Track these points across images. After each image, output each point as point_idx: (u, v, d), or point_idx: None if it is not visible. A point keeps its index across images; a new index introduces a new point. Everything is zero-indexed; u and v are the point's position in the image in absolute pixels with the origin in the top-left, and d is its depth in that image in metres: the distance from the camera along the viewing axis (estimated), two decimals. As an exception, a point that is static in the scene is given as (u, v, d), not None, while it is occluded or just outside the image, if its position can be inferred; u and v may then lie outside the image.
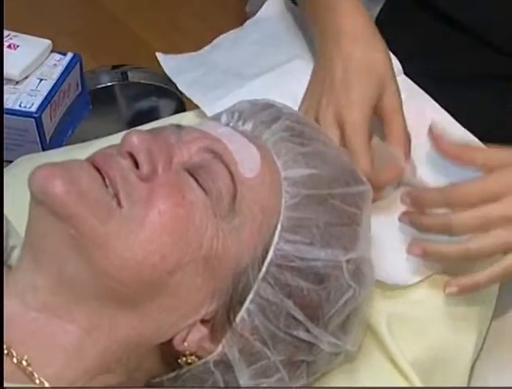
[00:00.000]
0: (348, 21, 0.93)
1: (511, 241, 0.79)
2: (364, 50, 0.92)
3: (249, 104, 0.80)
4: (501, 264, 0.80)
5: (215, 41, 1.17)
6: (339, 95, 0.90)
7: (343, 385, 0.81)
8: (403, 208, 0.86)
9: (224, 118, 0.80)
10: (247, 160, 0.73)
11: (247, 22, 1.20)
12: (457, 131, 1.03)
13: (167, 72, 1.09)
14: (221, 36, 1.18)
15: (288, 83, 0.97)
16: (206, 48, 1.16)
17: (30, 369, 0.67)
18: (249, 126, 0.78)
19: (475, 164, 0.83)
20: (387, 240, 0.86)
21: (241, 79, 1.06)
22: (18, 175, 0.94)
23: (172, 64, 1.11)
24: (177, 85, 1.08)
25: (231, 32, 1.18)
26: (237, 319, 0.71)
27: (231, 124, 0.79)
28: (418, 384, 0.81)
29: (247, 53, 1.12)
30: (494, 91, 1.07)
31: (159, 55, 1.11)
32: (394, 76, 0.93)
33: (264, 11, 1.21)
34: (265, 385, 0.74)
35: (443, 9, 1.07)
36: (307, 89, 0.97)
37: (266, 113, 0.78)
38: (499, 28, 1.04)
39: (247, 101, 0.81)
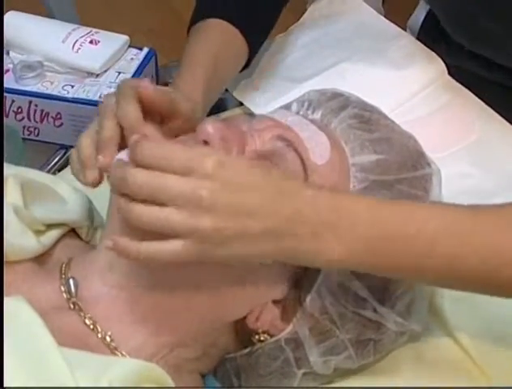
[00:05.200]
0: None
1: (184, 224, 0.59)
2: None
3: (317, 94, 0.78)
4: (164, 245, 0.60)
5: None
6: None
7: (407, 359, 0.79)
8: None
9: (294, 107, 0.77)
10: (317, 147, 0.70)
11: (291, 27, 1.17)
12: (499, 125, 1.00)
13: None
14: (266, 42, 1.15)
15: (336, 85, 0.95)
16: None
17: (114, 344, 0.66)
18: (318, 115, 0.75)
19: None
20: None
21: (291, 82, 1.04)
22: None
23: None
24: (227, 88, 1.06)
25: (276, 37, 1.16)
26: (308, 300, 0.69)
27: (301, 113, 0.76)
28: (478, 359, 0.78)
29: (294, 58, 1.11)
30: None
31: None
32: None
33: (307, 16, 1.18)
34: (333, 362, 0.72)
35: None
36: None
37: (335, 101, 0.76)
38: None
39: (316, 91, 0.78)
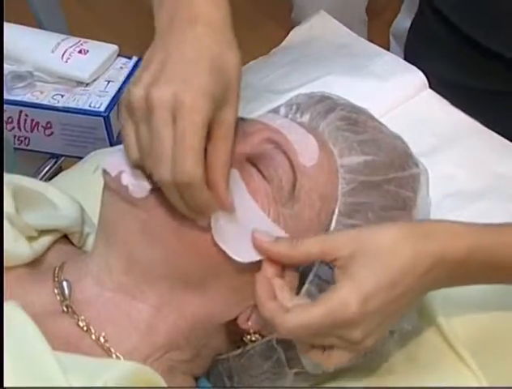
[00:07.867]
0: (207, 7, 0.65)
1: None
2: (218, 44, 0.64)
3: (306, 97, 0.78)
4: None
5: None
6: (178, 77, 0.62)
7: (401, 365, 0.78)
8: None
9: (282, 111, 0.77)
10: (306, 149, 0.70)
11: (273, 50, 1.18)
12: (487, 138, 1.01)
13: None
14: (250, 63, 1.16)
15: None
16: None
17: (107, 345, 0.66)
18: (306, 118, 0.75)
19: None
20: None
21: (274, 94, 1.05)
22: (90, 168, 0.94)
23: None
24: None
25: (259, 58, 1.17)
26: (298, 300, 0.69)
27: (289, 116, 0.76)
28: (471, 363, 0.77)
29: (277, 74, 1.11)
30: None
31: None
32: (239, 91, 0.65)
33: (289, 40, 1.19)
34: None
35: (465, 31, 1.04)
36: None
37: (323, 104, 0.76)
38: None
39: (304, 94, 0.79)
